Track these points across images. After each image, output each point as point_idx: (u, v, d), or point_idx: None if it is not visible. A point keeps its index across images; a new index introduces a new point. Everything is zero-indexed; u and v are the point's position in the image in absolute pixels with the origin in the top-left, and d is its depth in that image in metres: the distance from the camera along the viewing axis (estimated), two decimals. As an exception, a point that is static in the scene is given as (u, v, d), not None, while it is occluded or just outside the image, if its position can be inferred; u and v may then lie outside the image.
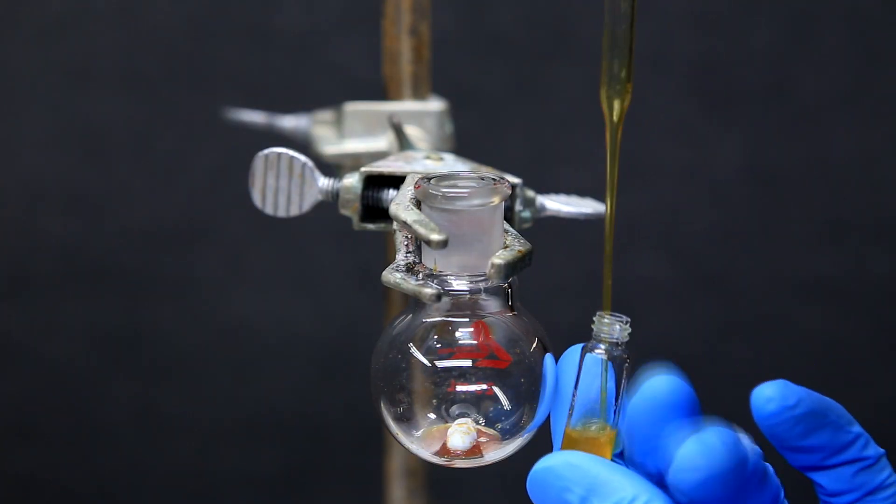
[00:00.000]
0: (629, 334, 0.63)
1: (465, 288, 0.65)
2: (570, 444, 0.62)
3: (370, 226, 0.75)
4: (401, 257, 0.66)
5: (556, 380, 0.62)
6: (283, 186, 0.76)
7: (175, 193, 1.55)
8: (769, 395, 0.58)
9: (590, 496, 0.58)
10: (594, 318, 0.63)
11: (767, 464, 0.59)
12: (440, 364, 0.64)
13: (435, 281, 0.65)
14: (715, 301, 1.56)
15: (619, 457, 0.62)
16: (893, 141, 1.57)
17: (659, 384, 0.59)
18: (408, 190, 0.68)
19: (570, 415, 0.63)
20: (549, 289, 1.54)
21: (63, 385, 1.57)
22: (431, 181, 0.65)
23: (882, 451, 0.60)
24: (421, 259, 0.66)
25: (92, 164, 1.54)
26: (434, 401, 0.65)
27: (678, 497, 0.57)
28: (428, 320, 0.65)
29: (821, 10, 1.55)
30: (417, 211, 0.65)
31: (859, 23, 1.55)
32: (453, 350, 0.64)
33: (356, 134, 0.90)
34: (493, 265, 0.63)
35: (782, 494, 0.60)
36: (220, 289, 1.57)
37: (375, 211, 0.75)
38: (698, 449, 0.56)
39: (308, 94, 1.52)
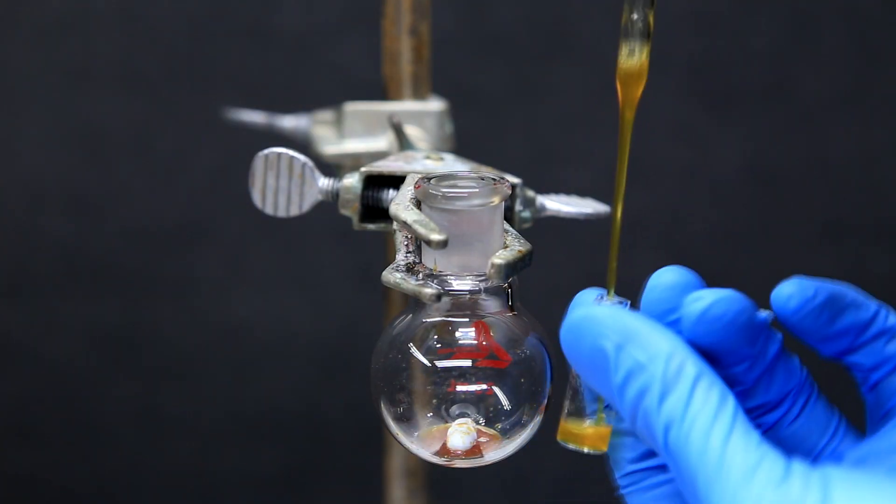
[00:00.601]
0: None
1: (465, 288, 0.65)
2: (565, 435, 0.62)
3: (370, 226, 0.75)
4: (401, 257, 0.66)
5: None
6: (283, 186, 0.76)
7: (175, 193, 1.55)
8: (788, 293, 0.59)
9: (626, 344, 0.57)
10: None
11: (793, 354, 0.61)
12: (440, 364, 0.64)
13: (435, 281, 0.65)
14: (715, 301, 1.56)
15: None
16: (893, 141, 1.57)
17: (667, 273, 0.60)
18: (408, 190, 0.68)
19: (566, 406, 0.63)
20: (549, 289, 1.54)
21: (63, 385, 1.57)
22: (431, 181, 0.65)
23: None
24: (421, 259, 0.66)
25: (92, 164, 1.54)
26: (434, 401, 0.65)
27: (689, 336, 0.58)
28: (428, 320, 0.65)
29: (821, 10, 1.55)
30: (417, 211, 0.65)
31: (859, 23, 1.55)
32: (453, 350, 0.64)
33: (356, 134, 0.90)
34: (493, 265, 0.63)
35: (806, 373, 0.61)
36: (220, 289, 1.57)
37: (375, 211, 0.75)
38: (705, 291, 0.58)
39: (308, 94, 1.52)
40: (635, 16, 0.64)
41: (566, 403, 0.63)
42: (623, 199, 0.64)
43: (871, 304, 0.61)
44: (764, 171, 1.57)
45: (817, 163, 1.57)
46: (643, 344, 0.57)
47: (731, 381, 0.59)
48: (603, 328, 0.58)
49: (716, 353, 0.58)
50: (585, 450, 0.62)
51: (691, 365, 0.56)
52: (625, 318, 0.58)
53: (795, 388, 0.61)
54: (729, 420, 0.55)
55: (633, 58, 0.65)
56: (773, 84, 1.56)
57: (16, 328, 1.56)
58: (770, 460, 0.53)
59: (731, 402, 0.55)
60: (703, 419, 0.55)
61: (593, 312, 0.58)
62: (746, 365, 0.59)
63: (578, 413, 0.62)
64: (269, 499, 1.60)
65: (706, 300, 0.58)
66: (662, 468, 0.61)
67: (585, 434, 0.62)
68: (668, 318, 0.59)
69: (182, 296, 1.57)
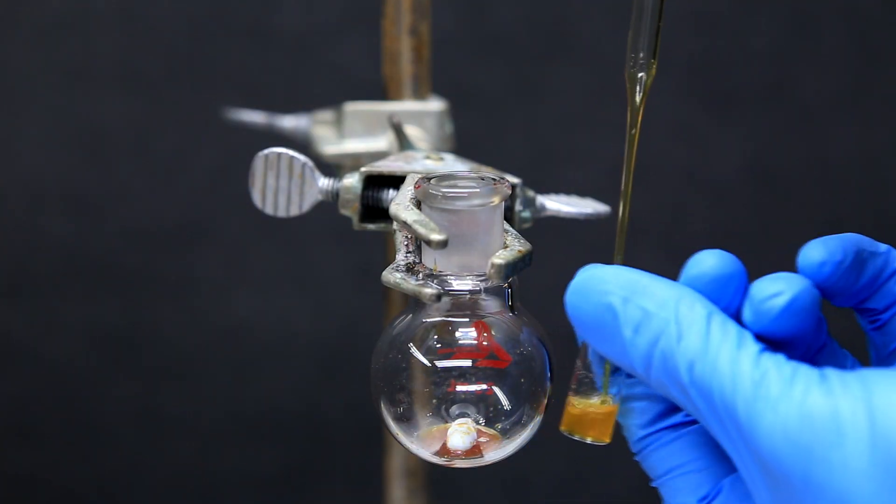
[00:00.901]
0: None
1: (465, 288, 0.65)
2: (571, 418, 0.62)
3: (370, 226, 0.75)
4: (401, 257, 0.66)
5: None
6: (283, 186, 0.76)
7: (175, 193, 1.55)
8: (819, 258, 0.59)
9: (632, 297, 0.57)
10: None
11: None
12: (440, 364, 0.64)
13: (435, 281, 0.65)
14: (715, 301, 1.56)
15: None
16: (893, 141, 1.57)
17: (707, 258, 0.59)
18: (408, 190, 0.68)
19: (573, 386, 0.63)
20: (549, 289, 1.54)
21: (63, 385, 1.57)
22: (431, 181, 0.65)
23: None
24: (421, 259, 0.66)
25: (92, 164, 1.54)
26: (434, 401, 0.65)
27: (763, 329, 0.56)
28: (428, 320, 0.65)
29: (821, 10, 1.55)
30: (417, 211, 0.65)
31: (859, 23, 1.55)
32: (453, 350, 0.64)
33: (356, 134, 0.90)
34: (493, 265, 0.63)
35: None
36: (220, 289, 1.57)
37: (375, 211, 0.75)
38: (775, 281, 0.57)
39: (308, 94, 1.52)
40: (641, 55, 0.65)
41: (571, 388, 0.63)
42: (629, 198, 0.64)
43: (881, 248, 0.61)
44: (764, 171, 1.57)
45: (817, 163, 1.57)
46: (650, 293, 0.57)
47: None
48: (607, 285, 0.58)
49: (784, 342, 0.58)
50: (589, 440, 0.62)
51: (700, 307, 0.56)
52: (627, 273, 0.58)
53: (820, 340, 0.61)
54: (753, 345, 0.55)
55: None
56: (773, 84, 1.56)
57: (16, 328, 1.56)
58: (805, 370, 0.54)
59: (748, 333, 0.56)
60: (728, 348, 0.55)
61: (596, 271, 0.59)
62: (810, 348, 0.60)
63: (584, 394, 0.62)
64: (269, 499, 1.60)
65: (786, 294, 0.57)
66: (674, 427, 0.61)
67: (589, 420, 0.62)
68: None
69: (182, 296, 1.57)
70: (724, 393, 0.54)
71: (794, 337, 0.57)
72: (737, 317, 0.58)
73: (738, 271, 0.58)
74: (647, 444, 0.61)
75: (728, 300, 0.58)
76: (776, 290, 0.56)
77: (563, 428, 0.63)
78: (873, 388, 0.52)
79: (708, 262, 0.58)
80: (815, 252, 0.59)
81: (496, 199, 0.65)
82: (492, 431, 0.65)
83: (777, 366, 0.54)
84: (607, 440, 0.62)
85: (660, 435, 0.61)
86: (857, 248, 0.59)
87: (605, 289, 0.58)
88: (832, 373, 0.53)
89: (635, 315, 0.57)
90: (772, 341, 0.57)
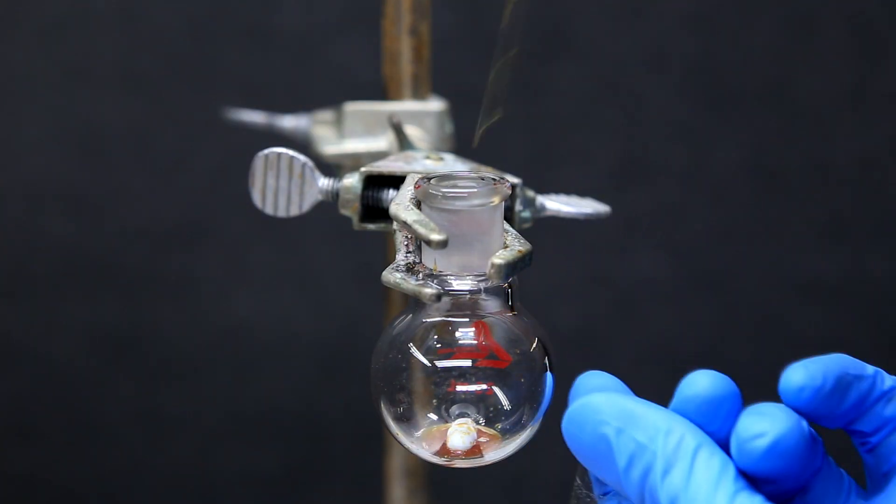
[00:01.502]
0: None
1: (465, 288, 0.65)
2: None
3: (370, 226, 0.75)
4: (401, 257, 0.66)
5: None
6: (283, 186, 0.76)
7: (175, 193, 1.55)
8: (798, 384, 0.58)
9: (626, 427, 0.58)
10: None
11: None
12: (440, 364, 0.64)
13: (435, 281, 0.65)
14: (715, 301, 1.56)
15: None
16: (893, 141, 1.57)
17: (701, 379, 0.59)
18: (408, 190, 0.68)
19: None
20: (549, 289, 1.54)
21: (63, 385, 1.57)
22: (431, 181, 0.65)
23: (894, 377, 0.62)
24: (421, 259, 0.66)
25: (92, 164, 1.54)
26: (434, 401, 0.65)
27: (747, 468, 0.57)
28: (428, 320, 0.65)
29: (821, 10, 1.55)
30: (417, 211, 0.65)
31: (859, 23, 1.55)
32: (453, 350, 0.64)
33: (356, 134, 0.90)
34: (493, 265, 0.63)
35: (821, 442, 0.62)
36: (220, 289, 1.57)
37: (375, 211, 0.75)
38: (757, 417, 0.57)
39: (308, 94, 1.52)
40: None
41: None
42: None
43: (868, 371, 0.60)
44: (764, 171, 1.57)
45: (817, 163, 1.57)
46: (642, 425, 0.58)
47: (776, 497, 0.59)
48: (602, 415, 0.59)
49: (770, 479, 0.58)
50: None
51: (690, 438, 0.57)
52: (622, 403, 0.59)
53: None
54: (731, 485, 0.56)
55: None
56: (773, 84, 1.56)
57: (16, 328, 1.56)
58: None
59: (731, 469, 0.56)
60: (706, 487, 0.56)
61: (591, 401, 0.59)
62: (801, 476, 0.60)
63: None
64: (269, 499, 1.60)
65: (769, 436, 0.57)
66: None
67: None
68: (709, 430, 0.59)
69: (182, 296, 1.57)
70: None
71: (781, 475, 0.58)
72: (728, 441, 0.58)
73: (731, 393, 0.59)
74: None
75: (720, 422, 0.59)
76: (760, 431, 0.57)
77: None
78: None
79: (701, 383, 0.59)
80: (795, 376, 0.58)
81: (496, 199, 0.65)
82: (492, 431, 0.65)
83: None
84: None
85: None
86: (841, 372, 0.59)
87: (600, 419, 0.59)
88: None
89: (628, 447, 0.58)
90: (757, 477, 0.57)
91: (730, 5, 1.55)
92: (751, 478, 0.57)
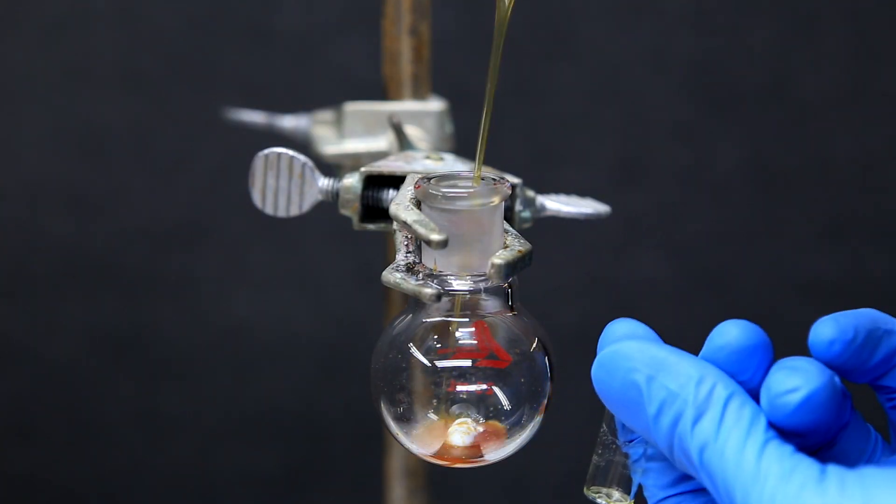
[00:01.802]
0: None
1: (465, 288, 0.65)
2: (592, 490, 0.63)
3: (370, 226, 0.75)
4: (401, 257, 0.66)
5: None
6: (283, 186, 0.76)
7: (175, 193, 1.55)
8: (829, 337, 0.58)
9: (657, 375, 0.58)
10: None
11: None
12: (440, 364, 0.64)
13: (435, 281, 0.65)
14: (715, 301, 1.56)
15: None
16: (893, 141, 1.57)
17: (732, 328, 0.59)
18: (408, 190, 0.68)
19: (598, 451, 0.63)
20: (549, 289, 1.54)
21: (63, 385, 1.57)
22: (431, 181, 0.65)
23: None
24: (421, 259, 0.66)
25: (92, 164, 1.54)
26: (434, 401, 0.65)
27: (778, 422, 0.56)
28: (428, 320, 0.65)
29: (821, 10, 1.55)
30: (417, 211, 0.65)
31: (859, 23, 1.55)
32: (453, 350, 0.64)
33: (356, 134, 0.90)
34: (493, 265, 0.63)
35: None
36: (220, 289, 1.57)
37: (375, 211, 0.75)
38: (789, 372, 0.56)
39: (308, 94, 1.52)
40: None
41: (594, 458, 0.63)
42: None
43: (894, 325, 0.60)
44: (764, 171, 1.57)
45: (817, 163, 1.57)
46: (673, 373, 0.58)
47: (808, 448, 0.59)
48: (633, 362, 0.59)
49: (799, 433, 0.58)
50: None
51: (721, 388, 0.57)
52: (653, 350, 0.59)
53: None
54: (762, 434, 0.55)
55: None
56: (773, 84, 1.56)
57: (16, 328, 1.56)
58: (806, 465, 0.54)
59: (762, 419, 0.56)
60: (737, 435, 0.55)
61: (622, 348, 0.59)
62: (830, 430, 0.60)
63: (606, 473, 0.63)
64: (269, 499, 1.60)
65: (802, 391, 0.56)
66: (695, 493, 0.61)
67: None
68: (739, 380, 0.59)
69: (182, 296, 1.57)
70: (726, 481, 0.55)
71: (811, 429, 0.57)
72: (759, 391, 0.58)
73: (762, 342, 0.59)
74: None
75: (752, 372, 0.58)
76: (792, 386, 0.56)
77: (586, 492, 0.63)
78: (871, 490, 0.52)
79: (732, 332, 0.59)
80: (826, 330, 0.58)
81: (496, 199, 0.65)
82: (498, 424, 0.65)
83: (780, 458, 0.55)
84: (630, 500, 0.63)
85: (680, 499, 0.61)
86: (871, 326, 0.59)
87: (631, 366, 0.59)
88: (833, 472, 0.54)
89: (659, 394, 0.58)
90: (787, 430, 0.57)
91: (730, 5, 1.55)
92: (780, 430, 0.57)
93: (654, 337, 0.61)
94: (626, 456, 0.62)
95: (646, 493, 0.63)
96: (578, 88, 1.55)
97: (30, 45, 1.52)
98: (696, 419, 0.56)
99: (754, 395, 0.58)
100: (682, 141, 1.57)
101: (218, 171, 1.55)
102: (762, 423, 0.56)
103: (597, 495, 0.62)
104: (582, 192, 0.80)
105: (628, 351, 0.59)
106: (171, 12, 1.53)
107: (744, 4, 1.55)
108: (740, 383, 0.58)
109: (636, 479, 0.62)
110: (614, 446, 0.62)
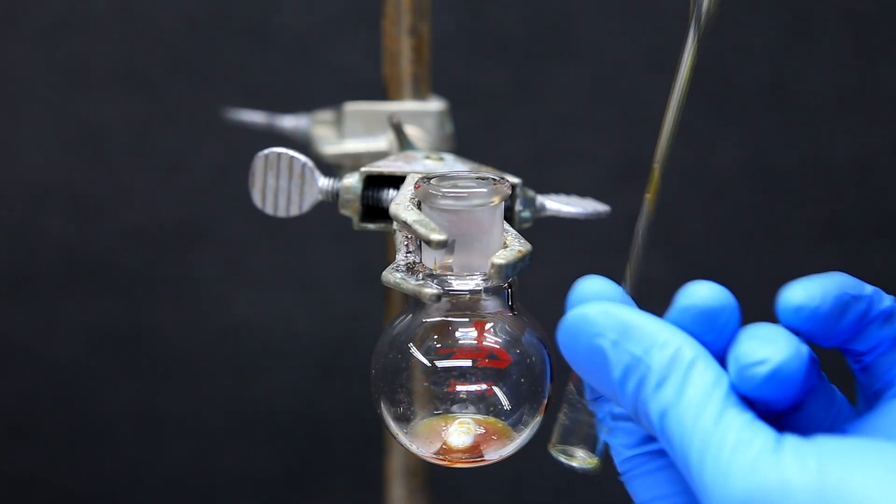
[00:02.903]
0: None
1: (465, 288, 0.65)
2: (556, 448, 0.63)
3: (370, 226, 0.75)
4: (401, 257, 0.66)
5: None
6: (283, 186, 0.76)
7: (175, 193, 1.55)
8: (797, 303, 0.58)
9: (621, 340, 0.57)
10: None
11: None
12: (440, 364, 0.64)
13: (435, 281, 0.65)
14: (715, 301, 1.56)
15: None
16: (893, 141, 1.57)
17: (699, 289, 0.58)
18: (408, 190, 0.68)
19: (560, 421, 0.63)
20: (549, 289, 1.54)
21: (63, 385, 1.57)
22: (431, 181, 0.65)
23: (892, 296, 0.61)
24: (421, 259, 0.66)
25: (92, 164, 1.54)
26: (434, 401, 0.65)
27: (746, 392, 0.56)
28: (428, 320, 0.65)
29: (821, 10, 1.55)
30: (417, 211, 0.65)
31: (859, 23, 1.55)
32: (453, 350, 0.64)
33: (356, 134, 0.90)
34: (493, 265, 0.63)
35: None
36: (220, 289, 1.57)
37: (375, 211, 0.75)
38: (758, 343, 0.56)
39: (308, 94, 1.52)
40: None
41: (560, 417, 0.63)
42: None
43: (866, 291, 0.60)
44: (764, 171, 1.57)
45: (817, 163, 1.57)
46: (637, 337, 0.57)
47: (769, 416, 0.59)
48: (598, 326, 0.58)
49: (768, 401, 0.57)
50: (576, 464, 0.62)
51: (688, 350, 0.57)
52: (618, 314, 0.58)
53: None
54: (721, 402, 0.55)
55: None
56: (773, 84, 1.56)
57: (16, 328, 1.56)
58: (763, 435, 0.54)
59: (723, 384, 0.56)
60: (696, 403, 0.55)
61: (586, 311, 0.59)
62: (794, 403, 0.59)
63: (572, 432, 0.62)
64: (269, 499, 1.60)
65: (770, 363, 0.56)
66: (661, 452, 0.61)
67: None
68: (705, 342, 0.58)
69: (182, 296, 1.57)
70: (683, 448, 0.55)
71: (779, 400, 0.57)
72: (725, 353, 0.58)
73: (729, 304, 0.58)
74: (632, 467, 0.61)
75: (717, 333, 0.58)
76: (761, 357, 0.56)
77: (550, 448, 0.63)
78: (827, 461, 0.52)
79: (699, 292, 0.58)
80: (794, 295, 0.58)
81: (496, 199, 0.65)
82: (499, 423, 0.65)
83: (738, 427, 0.54)
84: (595, 464, 0.62)
85: (646, 459, 0.61)
86: (839, 292, 0.59)
87: (596, 330, 0.58)
88: (790, 442, 0.53)
89: (623, 359, 0.57)
90: (755, 400, 0.57)
91: (730, 5, 1.55)
92: (745, 397, 0.56)
93: (620, 297, 0.61)
94: (592, 415, 0.62)
95: (612, 453, 0.62)
96: (578, 88, 1.55)
97: (30, 45, 1.52)
98: (659, 384, 0.56)
99: (720, 357, 0.58)
100: (682, 141, 1.56)
101: (218, 171, 1.55)
102: (723, 388, 0.56)
103: (561, 454, 0.62)
104: (582, 192, 0.80)
105: (593, 315, 0.58)
106: (171, 12, 1.53)
107: (744, 4, 1.55)
108: (705, 345, 0.58)
109: (602, 439, 0.62)
110: (580, 405, 0.62)
